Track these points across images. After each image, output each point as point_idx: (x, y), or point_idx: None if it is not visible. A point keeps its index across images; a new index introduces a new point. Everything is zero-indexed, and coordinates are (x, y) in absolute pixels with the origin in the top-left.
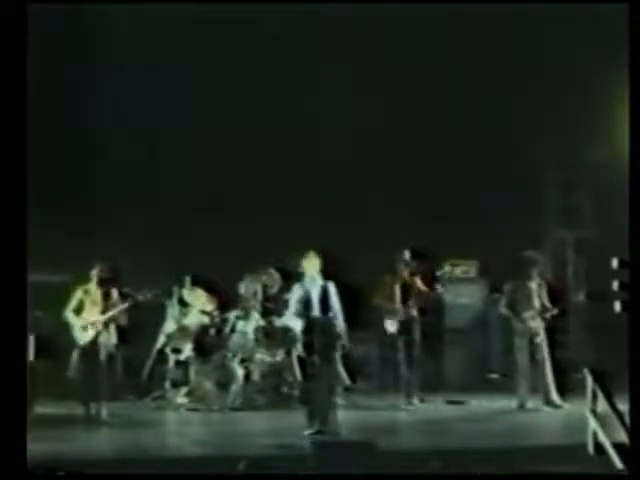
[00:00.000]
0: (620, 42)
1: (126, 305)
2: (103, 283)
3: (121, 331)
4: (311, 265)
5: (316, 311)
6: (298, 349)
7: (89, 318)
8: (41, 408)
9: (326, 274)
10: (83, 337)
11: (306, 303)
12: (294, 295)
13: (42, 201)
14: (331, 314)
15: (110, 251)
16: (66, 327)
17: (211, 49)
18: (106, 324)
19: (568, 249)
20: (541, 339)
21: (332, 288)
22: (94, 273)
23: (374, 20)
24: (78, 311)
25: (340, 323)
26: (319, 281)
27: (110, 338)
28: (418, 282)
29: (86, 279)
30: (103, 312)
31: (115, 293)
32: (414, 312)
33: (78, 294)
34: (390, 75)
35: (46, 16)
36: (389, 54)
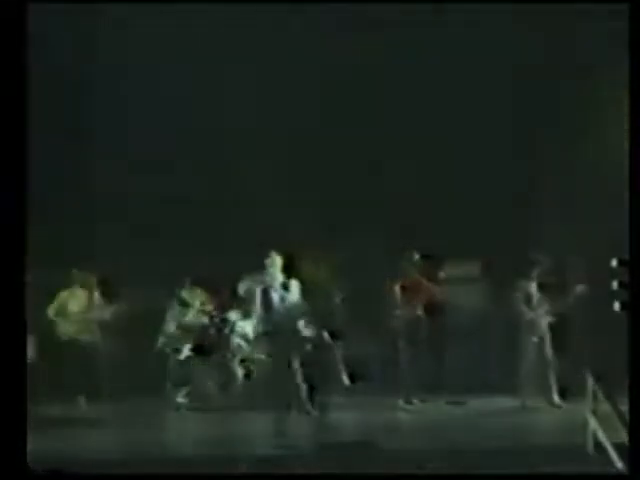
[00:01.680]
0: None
1: (112, 308)
2: (86, 284)
3: (107, 330)
4: (273, 265)
5: (275, 311)
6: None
7: (72, 318)
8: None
9: (289, 272)
10: (67, 337)
11: (267, 303)
12: (257, 297)
13: (42, 200)
14: (291, 313)
15: (109, 251)
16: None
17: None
18: (89, 324)
19: (568, 249)
20: (546, 338)
21: (295, 287)
22: (77, 275)
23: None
24: (62, 311)
25: (302, 322)
26: (280, 279)
27: (93, 337)
28: (425, 282)
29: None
30: (85, 312)
31: (97, 294)
32: (420, 312)
33: (63, 295)
34: (393, 74)
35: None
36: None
